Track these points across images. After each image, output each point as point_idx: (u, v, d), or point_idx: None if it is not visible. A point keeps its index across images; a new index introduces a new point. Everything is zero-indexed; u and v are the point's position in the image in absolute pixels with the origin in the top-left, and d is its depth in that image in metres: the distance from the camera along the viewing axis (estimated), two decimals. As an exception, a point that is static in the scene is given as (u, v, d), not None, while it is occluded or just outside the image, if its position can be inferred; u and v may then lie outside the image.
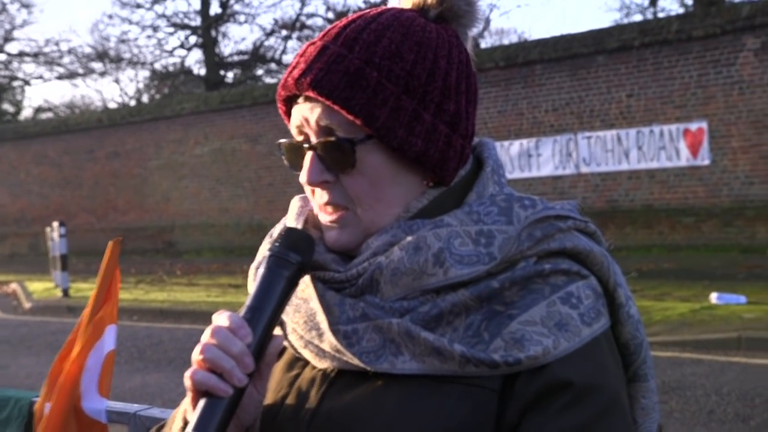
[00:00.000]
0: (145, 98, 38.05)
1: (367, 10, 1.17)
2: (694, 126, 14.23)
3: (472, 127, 1.16)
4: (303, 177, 1.13)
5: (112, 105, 38.55)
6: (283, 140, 1.17)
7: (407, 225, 1.11)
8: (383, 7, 1.17)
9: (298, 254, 1.09)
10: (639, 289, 10.79)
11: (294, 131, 1.16)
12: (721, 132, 14.03)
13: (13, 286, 17.86)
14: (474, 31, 1.18)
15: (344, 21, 1.15)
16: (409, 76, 1.09)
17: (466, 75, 1.15)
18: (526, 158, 15.97)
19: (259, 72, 34.12)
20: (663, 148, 14.55)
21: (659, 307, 9.71)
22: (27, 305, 15.18)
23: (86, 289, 15.98)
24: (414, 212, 1.13)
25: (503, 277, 1.06)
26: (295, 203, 1.24)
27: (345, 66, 1.08)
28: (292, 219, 1.22)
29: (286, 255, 1.08)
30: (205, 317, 12.26)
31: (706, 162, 14.17)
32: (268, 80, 33.09)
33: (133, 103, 37.30)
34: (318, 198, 1.15)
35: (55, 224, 15.88)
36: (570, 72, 15.50)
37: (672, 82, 14.45)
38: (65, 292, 15.38)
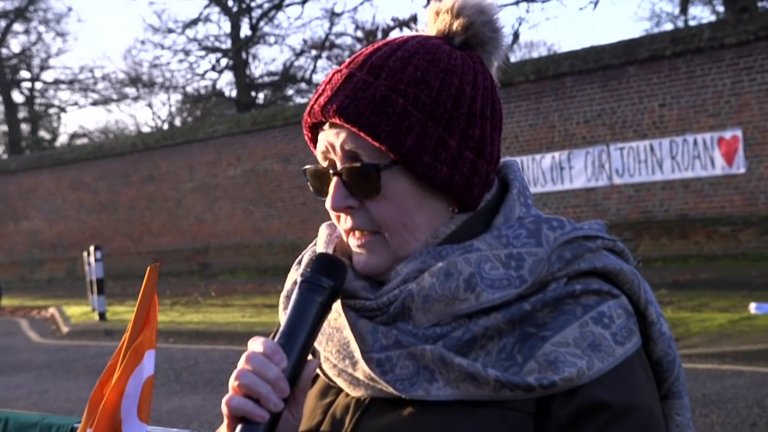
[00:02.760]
0: (177, 121, 38.50)
1: (393, 38, 1.18)
2: (728, 134, 14.06)
3: (497, 152, 1.17)
4: (328, 202, 1.14)
5: (145, 129, 39.09)
6: (308, 166, 1.19)
7: (436, 251, 1.11)
8: (408, 35, 1.18)
9: (331, 279, 1.10)
10: (676, 300, 10.65)
11: (320, 157, 1.17)
12: (756, 139, 13.84)
13: (51, 310, 18.09)
14: (499, 58, 1.19)
15: (370, 49, 1.16)
16: (434, 102, 1.10)
17: (491, 101, 1.15)
18: (558, 171, 15.87)
19: (290, 92, 34.40)
20: (697, 157, 14.38)
21: (697, 319, 9.57)
22: (65, 329, 15.36)
23: (123, 312, 16.14)
24: (442, 238, 1.13)
25: (535, 299, 1.06)
26: (323, 231, 1.25)
27: (371, 93, 1.10)
28: (321, 246, 1.23)
29: (318, 280, 1.09)
30: (240, 338, 12.31)
31: (742, 170, 13.98)
32: (299, 100, 33.34)
33: (166, 126, 37.76)
34: (343, 223, 1.16)
35: (92, 248, 16.06)
36: (601, 83, 15.41)
37: (705, 90, 14.30)
38: (102, 316, 15.53)
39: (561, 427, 1.02)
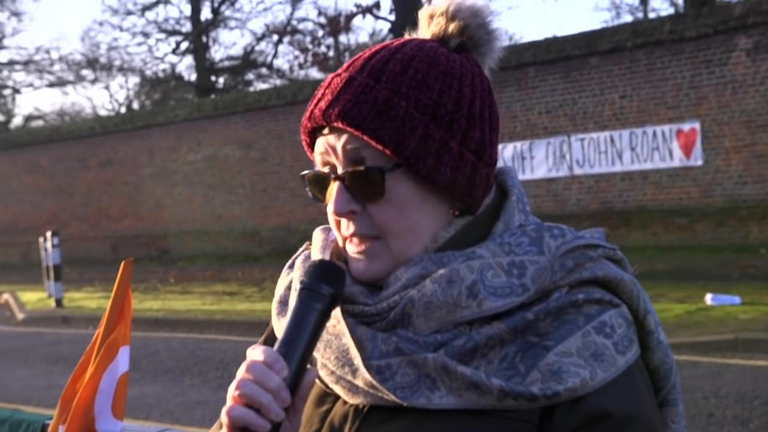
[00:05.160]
0: (135, 105, 37.99)
1: (390, 42, 1.18)
2: (686, 126, 14.26)
3: (496, 155, 1.17)
4: (330, 207, 1.13)
5: (102, 112, 38.51)
6: (307, 171, 1.18)
7: (438, 257, 1.10)
8: (405, 39, 1.18)
9: (330, 286, 1.09)
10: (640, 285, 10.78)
11: (318, 160, 1.16)
12: (713, 132, 14.07)
13: (6, 296, 17.78)
14: (493, 60, 1.20)
15: (368, 52, 1.16)
16: (436, 105, 1.10)
17: (489, 103, 1.16)
18: (520, 161, 15.98)
19: (250, 77, 34.12)
20: (656, 149, 14.57)
21: (655, 309, 9.71)
22: (20, 316, 15.12)
23: (80, 299, 15.93)
24: (442, 243, 1.13)
25: (537, 308, 1.06)
26: (318, 236, 1.24)
27: (373, 96, 1.09)
28: (316, 251, 1.22)
29: (318, 287, 1.09)
30: (200, 326, 12.23)
31: (699, 162, 14.20)
32: (260, 85, 33.08)
33: (123, 109, 37.24)
34: (344, 230, 1.15)
35: (49, 234, 15.81)
36: (563, 74, 15.52)
37: (665, 82, 14.48)
38: (59, 303, 15.32)
39: None
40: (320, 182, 1.15)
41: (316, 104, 1.13)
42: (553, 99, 15.64)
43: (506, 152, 16.04)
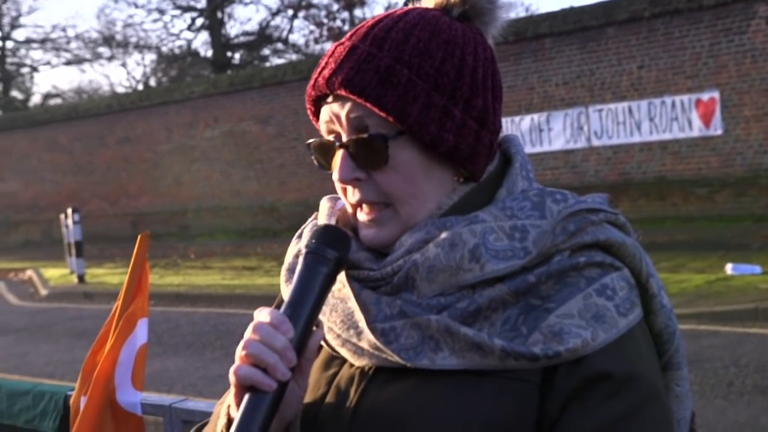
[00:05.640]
0: (152, 82, 38.04)
1: (392, 10, 1.19)
2: (706, 96, 14.12)
3: (499, 122, 1.18)
4: (335, 175, 1.14)
5: (120, 89, 38.60)
6: (312, 140, 1.19)
7: (441, 222, 1.12)
8: (407, 7, 1.18)
9: (335, 250, 1.11)
10: (654, 261, 10.63)
11: (323, 128, 1.17)
12: (733, 101, 13.93)
13: (29, 273, 17.98)
14: (496, 29, 1.20)
15: (371, 21, 1.17)
16: (438, 72, 1.11)
17: (491, 72, 1.17)
18: (537, 133, 15.90)
19: (266, 52, 34.05)
20: (675, 119, 14.45)
21: (674, 280, 9.70)
22: (43, 292, 15.30)
23: (101, 275, 16.09)
24: (446, 209, 1.14)
25: (539, 271, 1.07)
26: (325, 204, 1.25)
27: (376, 64, 1.10)
28: (323, 219, 1.23)
29: (323, 251, 1.10)
30: (220, 300, 12.34)
31: (719, 132, 14.08)
32: (276, 60, 33.02)
33: (140, 86, 37.30)
34: (350, 196, 1.16)
35: (69, 211, 15.94)
36: (580, 45, 15.39)
37: (683, 52, 14.33)
38: (81, 279, 15.48)
39: (566, 397, 1.04)
40: (326, 150, 1.17)
41: (320, 72, 1.14)
42: (570, 70, 15.52)
43: (523, 124, 15.97)
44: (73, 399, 2.67)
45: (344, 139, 1.14)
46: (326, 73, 1.13)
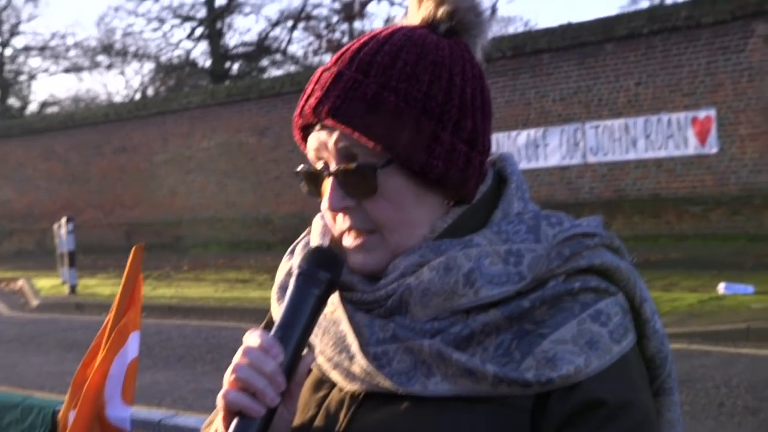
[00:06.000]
0: (150, 91, 38.08)
1: (378, 30, 1.17)
2: (702, 114, 14.15)
3: (489, 142, 1.16)
4: (324, 204, 1.13)
5: (117, 98, 38.62)
6: (301, 167, 1.18)
7: (435, 245, 1.11)
8: (393, 27, 1.16)
9: (328, 272, 1.09)
10: (647, 279, 10.57)
11: (312, 156, 1.16)
12: (729, 119, 13.96)
13: (21, 283, 17.91)
14: (483, 42, 1.18)
15: (356, 44, 1.15)
16: (426, 97, 1.09)
17: (480, 90, 1.15)
18: (533, 148, 15.91)
19: (265, 63, 34.12)
20: (671, 136, 14.48)
21: (667, 298, 9.68)
22: (35, 302, 15.23)
23: (94, 286, 16.03)
24: (439, 232, 1.13)
25: (534, 296, 1.06)
26: (318, 222, 1.24)
27: (362, 92, 1.09)
28: (315, 238, 1.22)
29: (315, 273, 1.09)
30: (213, 313, 12.29)
31: (714, 150, 14.10)
32: (274, 72, 33.08)
33: (138, 95, 37.34)
34: (340, 223, 1.15)
35: (63, 220, 15.89)
36: (578, 61, 15.43)
37: (680, 69, 14.37)
38: (73, 289, 15.42)
39: (558, 424, 1.03)
40: (315, 178, 1.15)
41: (306, 101, 1.13)
42: (568, 86, 15.56)
43: (519, 139, 15.98)
44: (62, 413, 2.66)
45: (333, 167, 1.12)
46: (312, 101, 1.11)
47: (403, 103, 1.08)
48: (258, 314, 11.41)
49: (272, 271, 17.17)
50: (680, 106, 14.38)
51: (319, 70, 1.14)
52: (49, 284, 16.92)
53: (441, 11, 1.14)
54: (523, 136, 15.98)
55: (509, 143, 15.92)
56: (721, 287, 9.86)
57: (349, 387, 1.12)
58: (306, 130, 1.16)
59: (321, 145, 1.12)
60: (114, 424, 2.42)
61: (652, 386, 1.14)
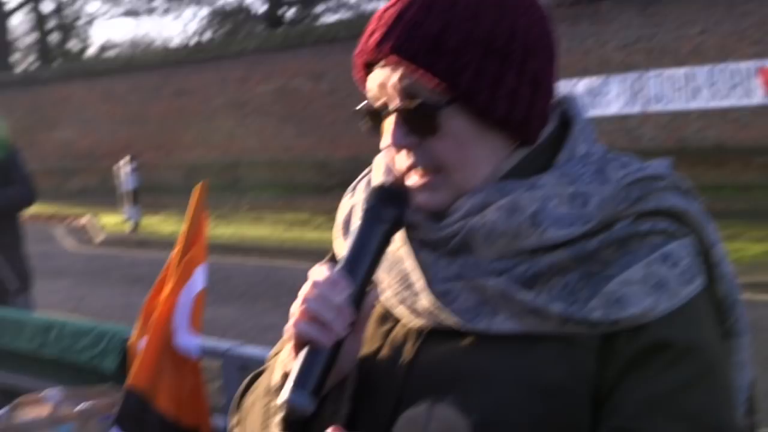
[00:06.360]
0: (207, 35, 38.16)
1: None
2: (769, 63, 13.76)
3: (554, 85, 1.15)
4: (386, 140, 1.13)
5: (174, 43, 38.81)
6: (363, 104, 1.17)
7: (500, 186, 1.10)
8: None
9: (394, 208, 1.11)
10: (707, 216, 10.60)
11: (372, 95, 1.15)
12: (798, 69, 13.55)
13: (85, 219, 18.35)
14: None
15: None
16: (490, 37, 1.08)
17: (545, 32, 1.13)
18: (592, 97, 15.67)
19: (319, 9, 33.89)
20: (736, 86, 14.12)
21: (731, 249, 9.50)
22: (99, 238, 15.61)
23: (155, 224, 16.37)
24: (504, 173, 1.13)
25: (601, 238, 1.06)
26: (381, 161, 1.23)
27: (425, 30, 1.07)
28: (379, 176, 1.22)
29: (381, 209, 1.11)
30: (271, 252, 12.49)
31: (781, 101, 13.73)
32: (329, 18, 32.87)
33: (194, 40, 37.47)
34: (402, 161, 1.14)
35: (126, 159, 16.19)
36: (640, 8, 15.06)
37: (747, 17, 13.94)
38: (136, 226, 15.75)
39: (625, 364, 1.03)
40: (376, 116, 1.15)
41: (369, 38, 1.12)
42: (629, 34, 15.22)
43: (579, 87, 15.73)
44: (133, 341, 2.72)
45: (394, 105, 1.12)
46: (375, 38, 1.11)
47: (465, 43, 1.07)
48: (316, 255, 11.52)
49: (329, 213, 17.23)
50: (746, 55, 13.99)
51: (382, 8, 1.14)
52: (112, 221, 17.31)
53: None
54: (582, 84, 15.74)
55: (568, 92, 15.69)
56: (785, 239, 9.70)
57: (415, 323, 1.12)
58: (367, 69, 1.15)
59: (383, 82, 1.12)
60: (183, 352, 2.49)
61: (721, 328, 1.13)
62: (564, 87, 14.66)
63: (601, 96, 15.58)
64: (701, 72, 14.43)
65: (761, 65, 13.84)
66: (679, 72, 14.68)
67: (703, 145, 14.65)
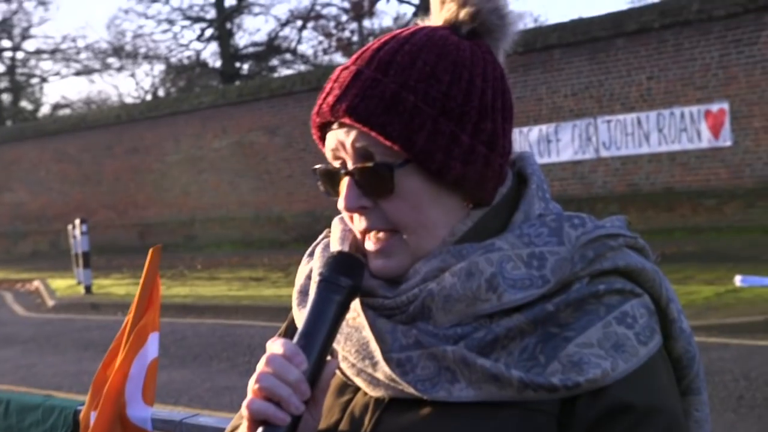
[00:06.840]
0: (161, 92, 38.18)
1: (399, 31, 1.15)
2: (715, 107, 14.08)
3: (509, 144, 1.15)
4: (340, 203, 1.12)
5: (128, 100, 38.76)
6: (318, 166, 1.16)
7: (456, 250, 1.09)
8: (415, 27, 1.15)
9: (349, 278, 1.09)
10: (662, 273, 10.72)
11: (329, 155, 1.14)
12: (743, 112, 13.88)
13: (36, 283, 18.01)
14: (507, 45, 1.16)
15: (376, 43, 1.13)
16: (445, 97, 1.08)
17: (501, 92, 1.13)
18: (545, 144, 15.88)
19: (275, 63, 34.15)
20: (684, 130, 14.41)
21: (683, 291, 9.63)
22: (50, 303, 15.31)
23: (108, 286, 16.09)
24: (459, 235, 1.11)
25: (558, 300, 1.05)
26: (337, 225, 1.22)
27: (380, 91, 1.07)
28: (335, 242, 1.21)
29: (336, 279, 1.08)
30: (227, 311, 12.32)
31: (728, 143, 14.03)
32: (284, 71, 33.12)
33: (149, 97, 37.45)
34: (357, 224, 1.14)
35: (77, 221, 15.98)
36: (589, 56, 15.38)
37: (693, 63, 14.30)
38: (88, 289, 15.49)
39: (586, 429, 1.02)
40: (332, 177, 1.14)
41: (325, 98, 1.12)
42: (579, 81, 15.51)
43: (531, 135, 15.94)
44: (84, 413, 2.67)
45: (350, 166, 1.11)
46: (330, 99, 1.10)
47: (421, 103, 1.06)
48: (272, 312, 11.44)
49: (286, 269, 17.27)
50: (693, 99, 14.31)
51: (339, 68, 1.13)
52: (64, 285, 17.00)
53: (463, 13, 1.13)
54: (535, 131, 15.94)
55: (521, 139, 15.88)
56: (738, 280, 9.81)
57: (374, 393, 1.11)
58: (324, 129, 1.14)
59: (338, 144, 1.11)
60: (135, 424, 2.43)
61: (679, 386, 1.12)
62: (517, 135, 14.84)
63: (553, 143, 15.78)
64: (650, 117, 14.71)
65: (707, 109, 14.14)
66: (629, 117, 14.94)
67: (653, 189, 14.87)
